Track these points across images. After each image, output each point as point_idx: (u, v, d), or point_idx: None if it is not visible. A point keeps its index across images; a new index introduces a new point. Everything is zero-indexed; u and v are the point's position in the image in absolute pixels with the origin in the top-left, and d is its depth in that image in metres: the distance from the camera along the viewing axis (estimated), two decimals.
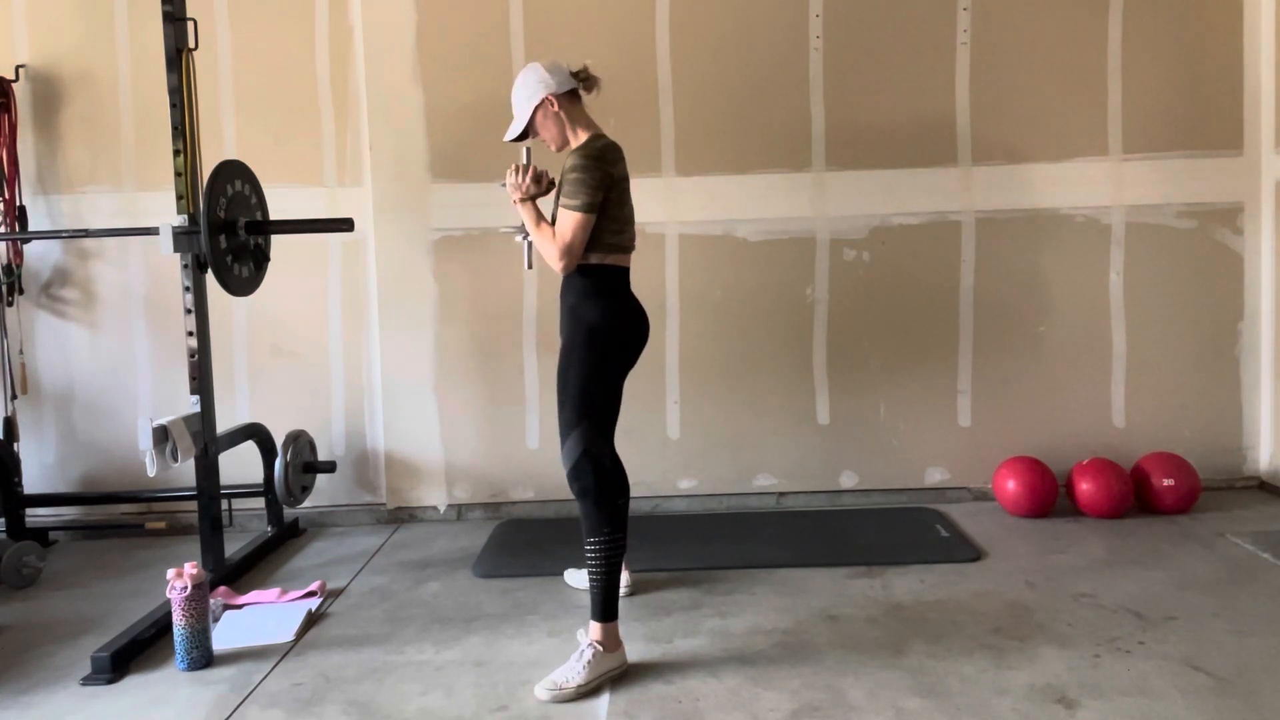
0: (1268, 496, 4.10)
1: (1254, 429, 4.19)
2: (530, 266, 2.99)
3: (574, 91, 2.80)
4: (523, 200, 2.76)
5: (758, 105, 4.09)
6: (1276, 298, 4.10)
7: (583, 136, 2.77)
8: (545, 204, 2.81)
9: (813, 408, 4.18)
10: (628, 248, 2.79)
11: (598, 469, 2.60)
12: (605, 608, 2.60)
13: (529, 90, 2.76)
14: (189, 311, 3.36)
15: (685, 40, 4.08)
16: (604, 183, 2.64)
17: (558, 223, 2.66)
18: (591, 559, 2.60)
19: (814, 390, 4.18)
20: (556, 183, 2.76)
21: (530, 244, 2.89)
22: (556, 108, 2.75)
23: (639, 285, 2.78)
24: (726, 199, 4.11)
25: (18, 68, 4.07)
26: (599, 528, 2.60)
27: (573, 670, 2.52)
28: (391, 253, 4.13)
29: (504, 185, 2.80)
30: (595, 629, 2.60)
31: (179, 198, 3.35)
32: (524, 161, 2.80)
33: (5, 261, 4.06)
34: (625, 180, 2.76)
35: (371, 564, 3.65)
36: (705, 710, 2.41)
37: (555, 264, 2.66)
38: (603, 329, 2.67)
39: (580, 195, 2.61)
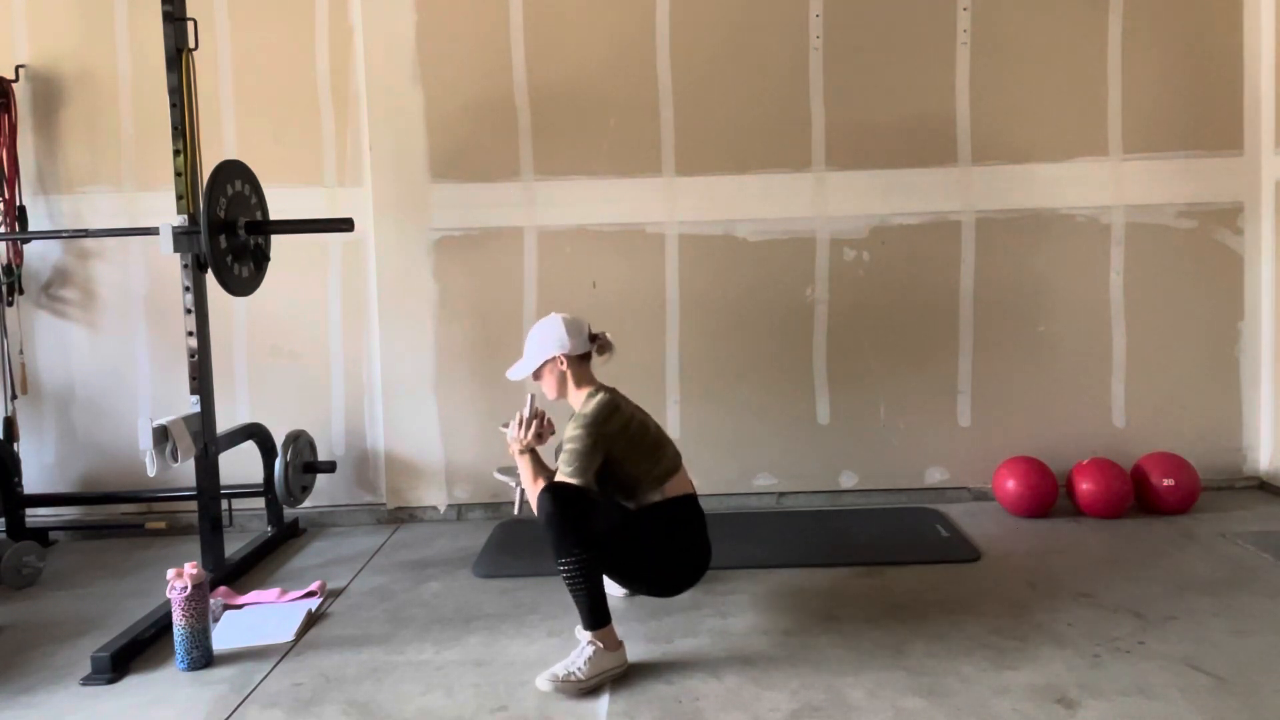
0: (1268, 496, 4.10)
1: (1254, 429, 4.19)
2: (519, 513, 2.98)
3: (585, 354, 2.85)
4: (521, 452, 2.79)
5: (758, 105, 4.09)
6: (1276, 298, 4.10)
7: (580, 394, 2.81)
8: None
9: (813, 408, 4.18)
10: (675, 467, 2.82)
11: (557, 496, 2.58)
12: (593, 617, 2.59)
13: (545, 342, 2.82)
14: (189, 311, 3.36)
15: (685, 40, 4.08)
16: (600, 446, 2.68)
17: (557, 477, 2.70)
18: (566, 578, 2.59)
19: (814, 390, 4.18)
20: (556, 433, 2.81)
21: (522, 491, 2.89)
22: (564, 367, 2.81)
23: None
24: (726, 199, 4.11)
25: (18, 68, 4.07)
26: (567, 549, 2.56)
27: (574, 664, 2.52)
28: (391, 253, 4.13)
29: (504, 428, 2.83)
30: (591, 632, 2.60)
31: (179, 198, 3.35)
32: (527, 414, 2.81)
33: (5, 261, 4.06)
34: (632, 421, 2.78)
35: (371, 564, 3.65)
36: (705, 710, 2.41)
37: (541, 526, 2.65)
38: (676, 552, 2.76)
39: (575, 464, 2.66)
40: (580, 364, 2.84)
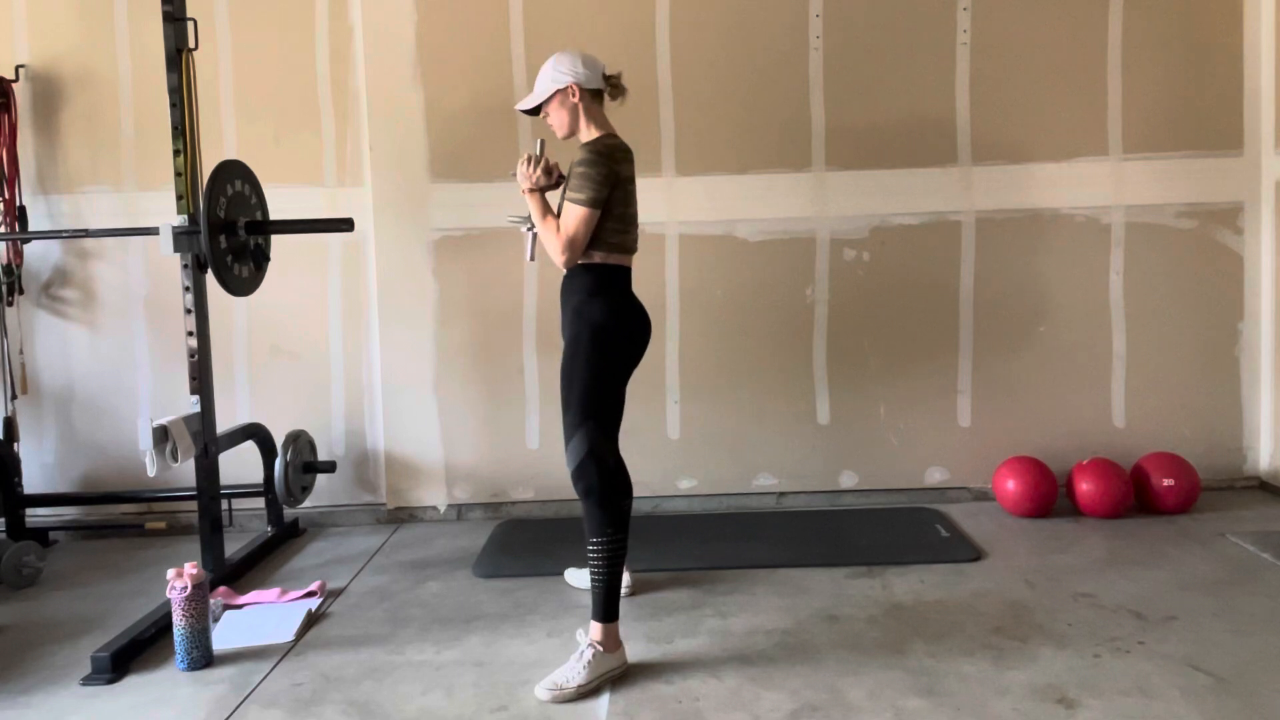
0: (1268, 496, 4.10)
1: (1254, 429, 4.19)
2: (533, 258, 2.97)
3: (599, 91, 2.80)
4: (531, 191, 2.76)
5: (757, 105, 4.09)
6: (1276, 298, 4.10)
7: (594, 133, 2.77)
8: (553, 198, 2.82)
9: (813, 408, 4.18)
10: (630, 248, 2.80)
11: (601, 469, 2.60)
12: (607, 608, 2.60)
13: (557, 72, 2.76)
14: (189, 311, 3.36)
15: (685, 40, 4.08)
16: (609, 180, 2.65)
17: (562, 216, 2.68)
18: (594, 559, 2.60)
19: (814, 390, 4.18)
20: (566, 176, 2.76)
21: (534, 235, 2.88)
22: (576, 98, 2.75)
23: (640, 285, 2.78)
24: (726, 199, 4.11)
25: (18, 68, 4.07)
26: (602, 528, 2.60)
27: (573, 670, 2.52)
28: (391, 253, 4.13)
29: (514, 174, 2.80)
30: (596, 629, 2.60)
31: (179, 198, 3.35)
32: (536, 153, 2.79)
33: (5, 261, 4.06)
34: (631, 181, 2.77)
35: (371, 564, 3.65)
36: (705, 710, 2.41)
37: (557, 257, 2.68)
38: (607, 327, 2.67)
39: (586, 190, 2.62)
40: (593, 100, 2.78)
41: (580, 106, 2.76)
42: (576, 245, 2.65)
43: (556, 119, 2.80)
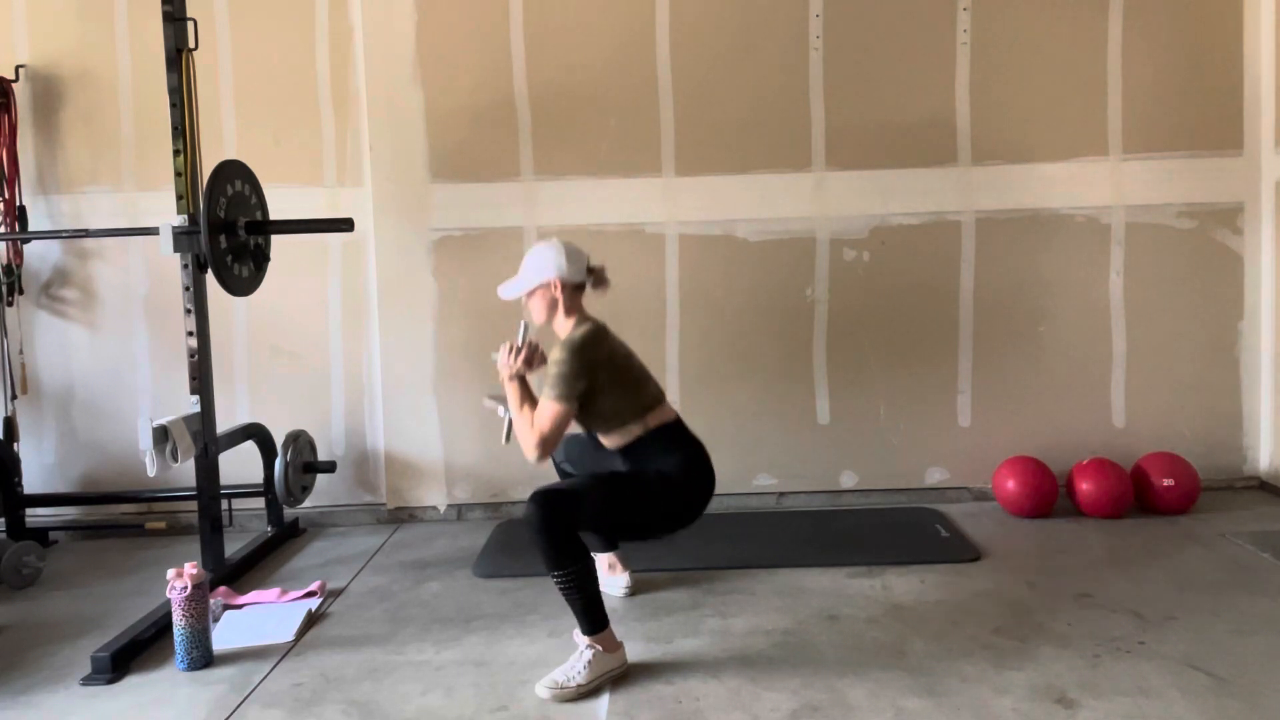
0: (1268, 496, 4.10)
1: (1254, 429, 4.19)
2: (507, 441, 2.95)
3: (581, 283, 2.83)
4: (510, 379, 2.78)
5: (758, 105, 4.09)
6: (1276, 298, 4.10)
7: (568, 324, 2.79)
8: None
9: (813, 408, 4.18)
10: (658, 399, 2.81)
11: (552, 529, 2.52)
12: (590, 623, 2.58)
13: (541, 264, 2.80)
14: (189, 311, 3.36)
15: (685, 40, 4.08)
16: (584, 372, 2.66)
17: (538, 409, 2.69)
18: (562, 588, 2.57)
19: (814, 390, 4.18)
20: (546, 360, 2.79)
21: (510, 420, 2.87)
22: (557, 293, 2.78)
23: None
24: (726, 199, 4.11)
25: (18, 68, 4.07)
26: (557, 565, 2.53)
27: (573, 670, 2.52)
28: (391, 253, 4.13)
29: (494, 359, 2.82)
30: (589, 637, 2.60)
31: (179, 198, 3.35)
32: (518, 341, 2.81)
33: (5, 261, 4.06)
34: (616, 354, 2.77)
35: (371, 564, 3.65)
36: (705, 710, 2.41)
37: (529, 451, 2.67)
38: (678, 482, 2.71)
39: (558, 386, 2.64)
40: (574, 293, 2.81)
41: (560, 300, 2.79)
42: (549, 442, 2.67)
43: (535, 308, 2.83)
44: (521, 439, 2.72)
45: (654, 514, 2.73)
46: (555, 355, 2.69)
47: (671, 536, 2.83)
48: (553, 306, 2.80)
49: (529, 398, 2.78)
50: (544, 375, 2.70)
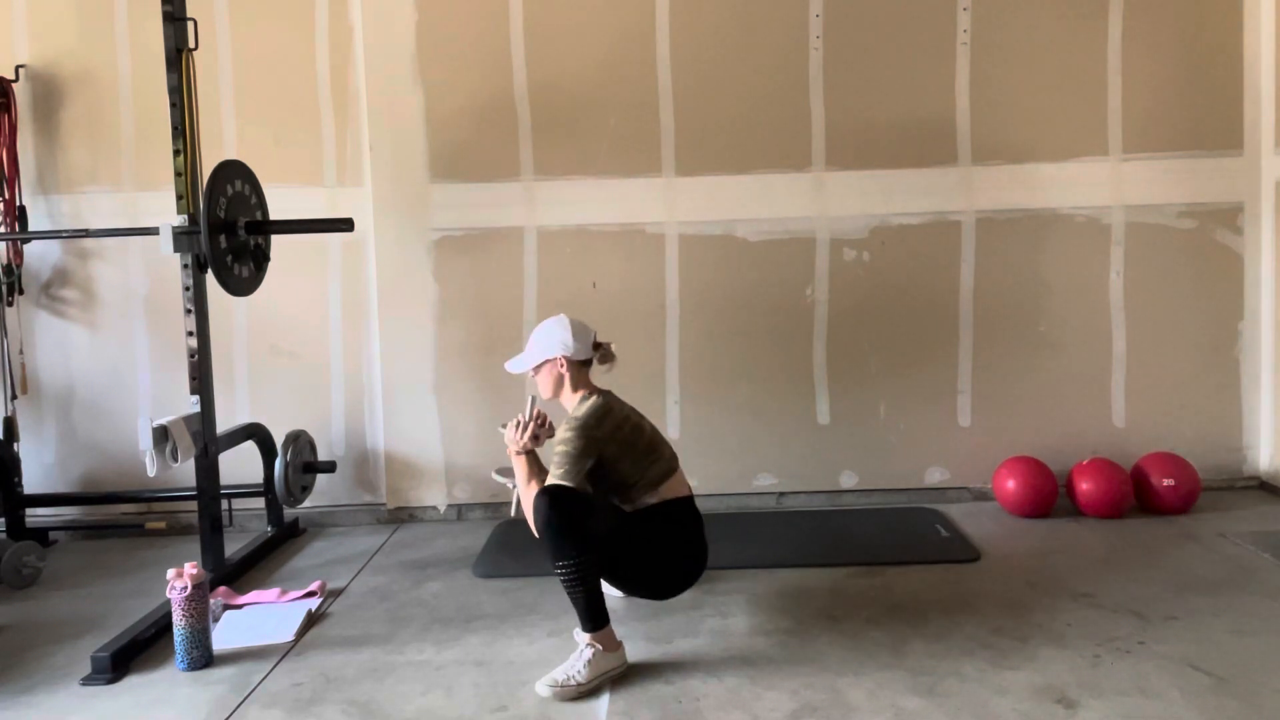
0: (1268, 496, 4.10)
1: (1254, 429, 4.19)
2: (515, 514, 2.95)
3: (588, 359, 2.85)
4: (518, 454, 2.79)
5: (758, 105, 4.09)
6: (1276, 298, 4.10)
7: (575, 398, 2.81)
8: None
9: (813, 408, 4.18)
10: (671, 469, 2.83)
11: (561, 524, 2.55)
12: (591, 620, 2.59)
13: (548, 342, 2.82)
14: (189, 311, 3.36)
15: (685, 40, 4.08)
16: (591, 449, 2.68)
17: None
18: (563, 581, 2.58)
19: (814, 390, 4.18)
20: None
21: (518, 494, 2.88)
22: (563, 369, 2.81)
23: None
24: (726, 199, 4.11)
25: (18, 68, 4.07)
26: (560, 555, 2.55)
27: (574, 668, 2.52)
28: (391, 253, 4.13)
29: (503, 429, 2.83)
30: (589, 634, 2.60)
31: (179, 198, 3.35)
32: (526, 417, 2.81)
33: (5, 261, 4.06)
34: (624, 426, 2.77)
35: (371, 564, 3.65)
36: (705, 710, 2.41)
37: (537, 530, 2.64)
38: (675, 555, 2.78)
39: (564, 466, 2.65)
40: (580, 369, 2.84)
41: (566, 376, 2.82)
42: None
43: (542, 383, 2.87)
44: (529, 515, 2.70)
45: (642, 570, 2.79)
46: (561, 434, 2.71)
47: (643, 598, 2.94)
48: (559, 382, 2.84)
49: (537, 471, 2.79)
50: (552, 449, 2.72)
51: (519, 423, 2.81)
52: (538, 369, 2.86)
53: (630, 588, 2.90)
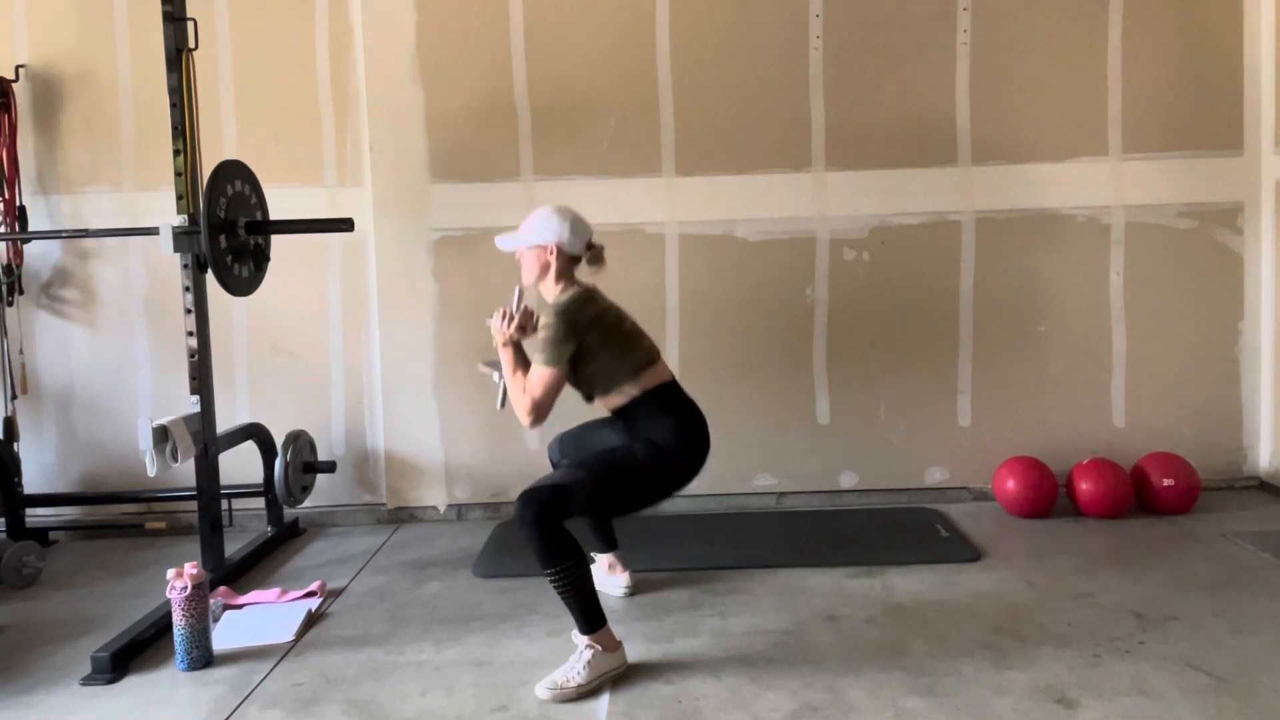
0: (1268, 496, 4.10)
1: (1254, 429, 4.19)
2: (501, 407, 2.95)
3: (578, 256, 2.84)
4: (504, 344, 2.79)
5: (758, 105, 4.09)
6: (1276, 298, 4.10)
7: (557, 288, 2.81)
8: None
9: (813, 408, 4.18)
10: (651, 359, 2.81)
11: (544, 525, 2.50)
12: (587, 621, 2.58)
13: (543, 228, 2.81)
14: (189, 311, 3.36)
15: (685, 40, 4.08)
16: (572, 335, 2.67)
17: (530, 375, 2.71)
18: (556, 586, 2.56)
19: (814, 390, 4.18)
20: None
21: (505, 386, 2.87)
22: (551, 257, 2.80)
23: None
24: (726, 199, 4.11)
25: (18, 68, 4.07)
26: (552, 561, 2.52)
27: (573, 670, 2.52)
28: (391, 253, 4.13)
29: (488, 324, 2.83)
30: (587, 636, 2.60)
31: (179, 198, 3.35)
32: (513, 308, 2.81)
33: (5, 261, 4.06)
34: (606, 315, 2.77)
35: (371, 564, 3.65)
36: (705, 710, 2.41)
37: (523, 416, 2.68)
38: (670, 449, 2.72)
39: (546, 351, 2.67)
40: (568, 262, 2.82)
41: (553, 265, 2.80)
42: (542, 407, 2.69)
43: (527, 267, 2.85)
44: (515, 404, 2.73)
45: (646, 486, 2.72)
46: (543, 320, 2.71)
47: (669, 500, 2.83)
48: (544, 270, 2.82)
49: (523, 363, 2.78)
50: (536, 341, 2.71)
51: (505, 314, 2.80)
52: (526, 251, 2.83)
53: (652, 502, 2.78)
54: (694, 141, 4.10)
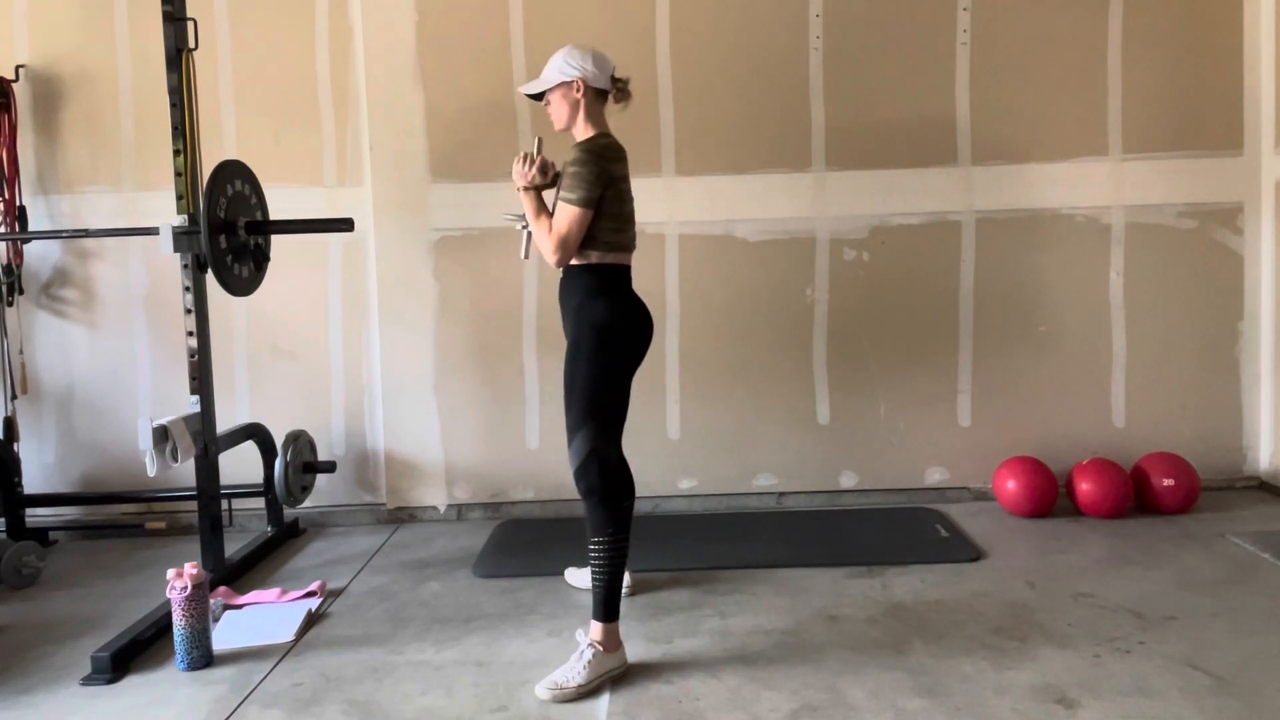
0: (1268, 496, 4.10)
1: (1254, 429, 4.19)
2: (526, 256, 3.00)
3: (603, 91, 2.80)
4: (526, 189, 2.77)
5: (758, 105, 4.09)
6: (1276, 298, 4.10)
7: (589, 131, 2.77)
8: (550, 197, 2.83)
9: (813, 408, 4.18)
10: (629, 246, 2.81)
11: (603, 469, 2.60)
12: (608, 607, 2.60)
13: (566, 64, 2.75)
14: (189, 311, 3.36)
15: (685, 40, 4.08)
16: (601, 179, 2.64)
17: (555, 216, 2.68)
18: (595, 559, 2.60)
19: (814, 390, 4.18)
20: (560, 175, 2.77)
21: (529, 234, 2.89)
22: (579, 94, 2.75)
23: (640, 285, 2.78)
24: (726, 199, 4.11)
25: (18, 68, 4.07)
26: (603, 527, 2.60)
27: (573, 670, 2.52)
28: (391, 253, 4.13)
29: (510, 171, 2.82)
30: (596, 629, 2.60)
31: (179, 198, 3.35)
32: (533, 152, 2.80)
33: (5, 261, 4.06)
34: (625, 180, 2.77)
35: (371, 564, 3.65)
36: (705, 710, 2.41)
37: (550, 256, 2.68)
38: (609, 327, 2.68)
39: (578, 190, 2.62)
40: (596, 99, 2.78)
41: (582, 103, 2.76)
42: (569, 245, 2.66)
43: (556, 110, 2.80)
44: (541, 245, 2.70)
45: (613, 370, 2.67)
46: (573, 156, 2.66)
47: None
48: (574, 109, 2.76)
49: (544, 208, 2.76)
50: (565, 170, 2.68)
51: (526, 157, 2.78)
52: (552, 92, 2.79)
53: (621, 384, 2.71)
54: (694, 141, 4.10)
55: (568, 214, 2.64)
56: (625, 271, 2.80)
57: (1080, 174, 4.10)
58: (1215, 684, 2.45)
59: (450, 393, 4.16)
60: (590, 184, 2.62)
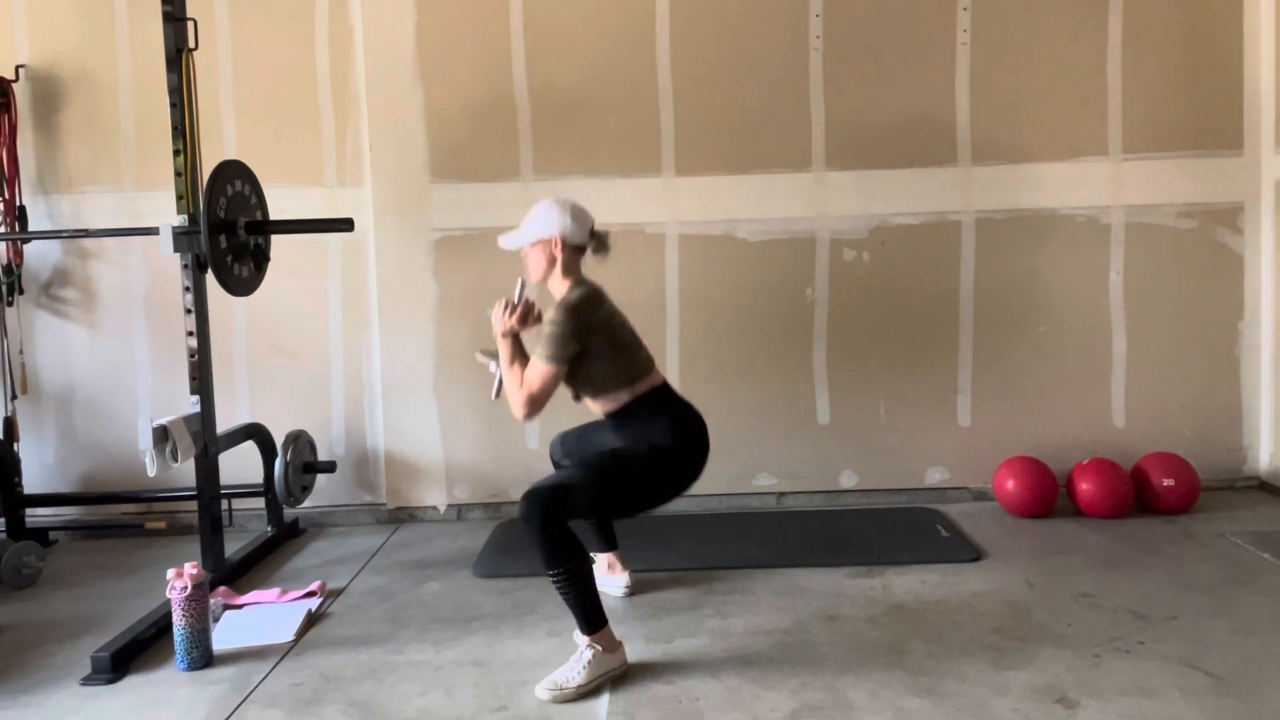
0: (1268, 496, 4.10)
1: (1254, 429, 4.19)
2: (496, 397, 2.94)
3: (581, 245, 2.81)
4: (504, 335, 2.78)
5: (757, 105, 4.09)
6: (1276, 298, 4.10)
7: (564, 285, 2.78)
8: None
9: (813, 408, 4.18)
10: (649, 367, 2.81)
11: (550, 521, 2.53)
12: (588, 621, 2.58)
13: (545, 221, 2.78)
14: (189, 311, 3.36)
15: (685, 40, 4.08)
16: (579, 333, 2.66)
17: (529, 368, 2.69)
18: (557, 588, 2.57)
19: (814, 390, 4.18)
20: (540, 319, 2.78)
21: (500, 377, 2.87)
22: (557, 250, 2.77)
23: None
24: (726, 199, 4.11)
25: (18, 68, 4.07)
26: (550, 564, 2.53)
27: (573, 671, 2.52)
28: (391, 253, 4.13)
29: (489, 315, 2.82)
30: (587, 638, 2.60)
31: (179, 198, 3.35)
32: (515, 299, 2.81)
33: (5, 261, 4.06)
34: (612, 319, 2.77)
35: (371, 564, 3.65)
36: (705, 710, 2.41)
37: (517, 410, 2.68)
38: (670, 449, 2.69)
39: (550, 347, 2.64)
40: (573, 254, 2.80)
41: (559, 259, 2.78)
42: (538, 402, 2.67)
43: (534, 264, 2.82)
44: (510, 397, 2.72)
45: (649, 487, 2.71)
46: (550, 315, 2.68)
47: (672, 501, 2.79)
48: (550, 264, 2.79)
49: (521, 355, 2.77)
50: (539, 334, 2.69)
51: (507, 304, 2.79)
52: (530, 248, 2.81)
53: (652, 503, 2.75)
54: (694, 141, 4.10)
55: (538, 370, 2.65)
56: (664, 390, 2.80)
57: (1080, 174, 4.10)
58: (1215, 684, 2.45)
59: (450, 393, 4.16)
60: (563, 342, 2.64)
